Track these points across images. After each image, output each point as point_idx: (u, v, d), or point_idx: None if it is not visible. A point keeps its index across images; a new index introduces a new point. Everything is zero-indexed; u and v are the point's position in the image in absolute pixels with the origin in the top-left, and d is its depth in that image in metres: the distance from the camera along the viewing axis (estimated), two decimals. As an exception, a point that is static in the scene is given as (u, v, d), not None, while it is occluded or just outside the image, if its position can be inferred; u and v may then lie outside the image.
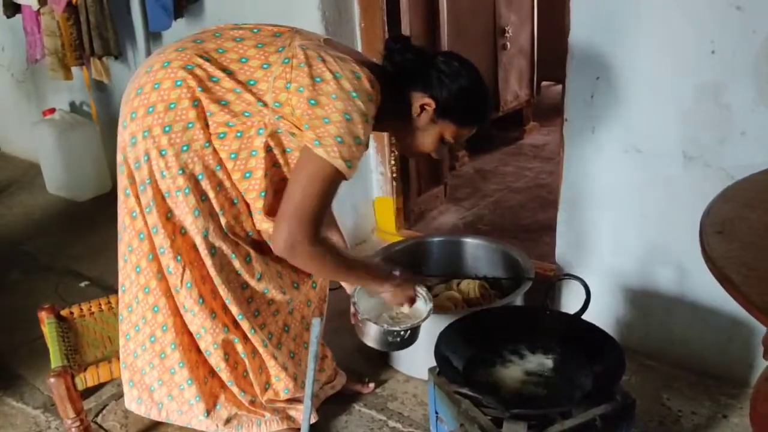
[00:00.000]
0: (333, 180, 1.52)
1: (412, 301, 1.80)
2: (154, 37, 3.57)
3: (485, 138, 4.65)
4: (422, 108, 1.63)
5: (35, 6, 3.65)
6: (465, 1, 3.99)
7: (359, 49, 3.01)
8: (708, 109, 1.98)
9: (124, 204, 1.66)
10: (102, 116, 3.98)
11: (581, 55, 2.18)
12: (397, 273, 1.77)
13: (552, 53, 2.60)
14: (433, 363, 1.72)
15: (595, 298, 1.99)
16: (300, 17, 2.83)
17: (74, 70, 3.79)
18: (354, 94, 1.50)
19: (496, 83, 4.42)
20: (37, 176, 4.37)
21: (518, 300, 2.24)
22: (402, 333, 1.76)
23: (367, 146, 1.59)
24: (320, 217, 1.54)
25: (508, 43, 4.42)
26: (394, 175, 3.21)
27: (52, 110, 4.13)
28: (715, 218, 1.24)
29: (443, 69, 1.63)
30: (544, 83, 5.19)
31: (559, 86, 2.32)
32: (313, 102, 1.50)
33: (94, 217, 3.75)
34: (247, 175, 1.61)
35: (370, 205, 3.32)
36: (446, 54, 1.73)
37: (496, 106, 4.48)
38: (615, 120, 2.17)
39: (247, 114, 1.56)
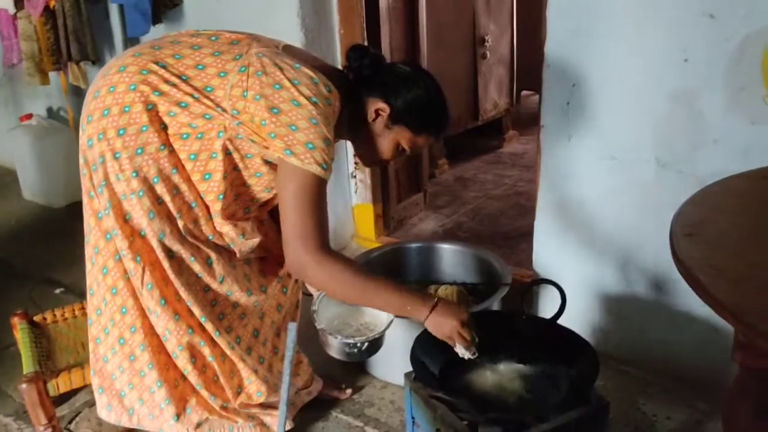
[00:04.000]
0: (316, 186, 1.53)
1: (462, 327, 1.62)
2: (132, 42, 3.56)
3: (465, 146, 4.68)
4: (377, 113, 1.65)
5: (12, 10, 3.63)
6: (445, 9, 4.02)
7: (338, 56, 3.02)
8: (681, 117, 2.01)
9: (89, 205, 1.66)
10: (78, 122, 3.95)
11: (557, 63, 2.20)
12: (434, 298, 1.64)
13: (531, 62, 2.63)
14: (410, 368, 1.72)
15: (572, 303, 2.00)
16: (279, 24, 2.84)
17: (51, 75, 3.77)
18: (314, 99, 1.52)
19: (476, 92, 4.46)
20: (13, 182, 4.33)
21: (495, 305, 2.24)
22: (359, 345, 1.73)
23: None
24: (317, 229, 1.53)
25: (487, 53, 4.46)
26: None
27: (29, 116, 4.10)
28: (685, 221, 1.26)
29: (399, 75, 1.66)
30: (523, 92, 5.24)
31: (539, 95, 2.34)
32: (275, 110, 1.50)
33: (69, 223, 3.71)
34: (207, 176, 1.62)
35: (349, 211, 3.32)
36: (404, 63, 1.76)
37: (475, 114, 4.52)
38: (590, 127, 2.19)
39: (207, 116, 1.57)
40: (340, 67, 1.82)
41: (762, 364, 1.08)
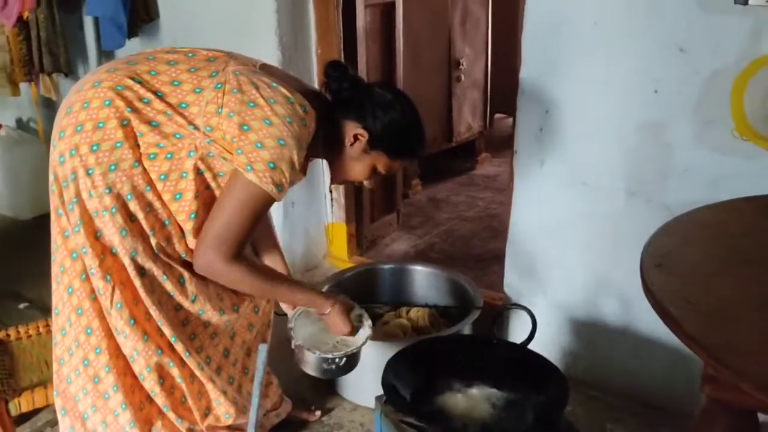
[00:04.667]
0: (263, 205, 1.55)
1: (351, 328, 1.77)
2: (106, 55, 3.53)
3: (438, 167, 4.71)
4: (356, 138, 1.66)
5: (-16, 20, 3.57)
6: (421, 32, 4.05)
7: (315, 75, 3.03)
8: (651, 147, 2.05)
9: (57, 223, 1.63)
10: (48, 133, 3.85)
11: (531, 89, 2.23)
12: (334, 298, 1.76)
13: (505, 86, 2.66)
14: (381, 391, 1.71)
15: (542, 327, 2.02)
16: (257, 42, 2.84)
17: (22, 86, 3.71)
18: (288, 120, 1.52)
19: (450, 114, 4.50)
20: (-21, 193, 4.23)
21: (466, 329, 2.25)
22: (337, 360, 1.73)
23: (303, 172, 1.65)
24: (243, 242, 1.56)
25: (462, 76, 4.50)
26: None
27: (-2, 126, 4.03)
28: (656, 252, 1.28)
29: (378, 101, 1.66)
30: (497, 115, 5.29)
31: (512, 119, 2.38)
32: (245, 127, 1.51)
33: (37, 236, 3.60)
34: (177, 196, 1.61)
35: (322, 230, 3.31)
36: (383, 86, 1.75)
37: (449, 136, 4.55)
38: (563, 154, 2.22)
39: (178, 136, 1.56)
40: (317, 86, 1.82)
41: (730, 396, 1.10)
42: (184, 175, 1.59)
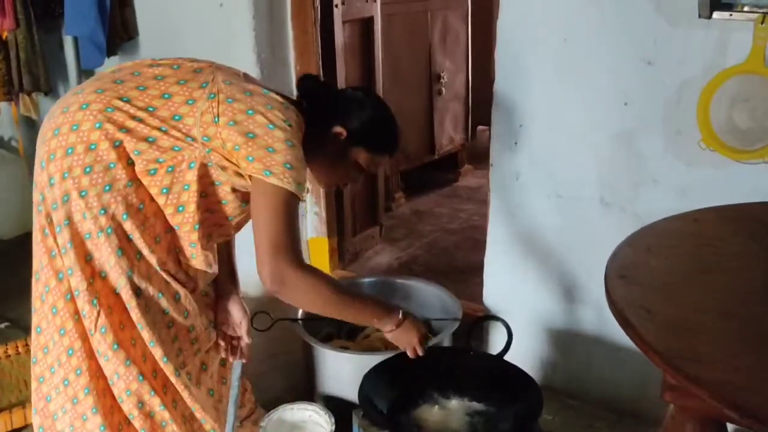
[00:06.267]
0: (292, 204, 1.56)
1: (419, 344, 1.78)
2: (86, 74, 3.53)
3: (421, 180, 4.74)
4: (336, 137, 1.71)
5: (-37, 40, 3.56)
6: (401, 46, 4.09)
7: (294, 92, 3.05)
8: (622, 157, 2.08)
9: (43, 243, 1.62)
10: (29, 152, 3.88)
11: (505, 103, 2.27)
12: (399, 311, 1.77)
13: (487, 99, 2.68)
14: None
15: (521, 337, 2.03)
16: (235, 59, 2.83)
17: (2, 105, 3.71)
18: (288, 123, 1.56)
19: (432, 127, 4.53)
20: (-40, 213, 4.21)
21: (446, 340, 2.26)
22: None
23: None
24: (294, 242, 1.57)
25: (443, 89, 4.54)
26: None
27: (-22, 145, 4.03)
28: (619, 263, 1.30)
29: (351, 98, 1.75)
30: (479, 128, 5.32)
31: (490, 132, 2.41)
32: (251, 135, 1.53)
33: (18, 255, 3.59)
34: (180, 208, 1.61)
35: (304, 245, 3.32)
36: (353, 87, 1.84)
37: (432, 149, 4.59)
38: (537, 166, 2.26)
39: (176, 149, 1.57)
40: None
41: (690, 404, 1.12)
42: (186, 187, 1.59)
